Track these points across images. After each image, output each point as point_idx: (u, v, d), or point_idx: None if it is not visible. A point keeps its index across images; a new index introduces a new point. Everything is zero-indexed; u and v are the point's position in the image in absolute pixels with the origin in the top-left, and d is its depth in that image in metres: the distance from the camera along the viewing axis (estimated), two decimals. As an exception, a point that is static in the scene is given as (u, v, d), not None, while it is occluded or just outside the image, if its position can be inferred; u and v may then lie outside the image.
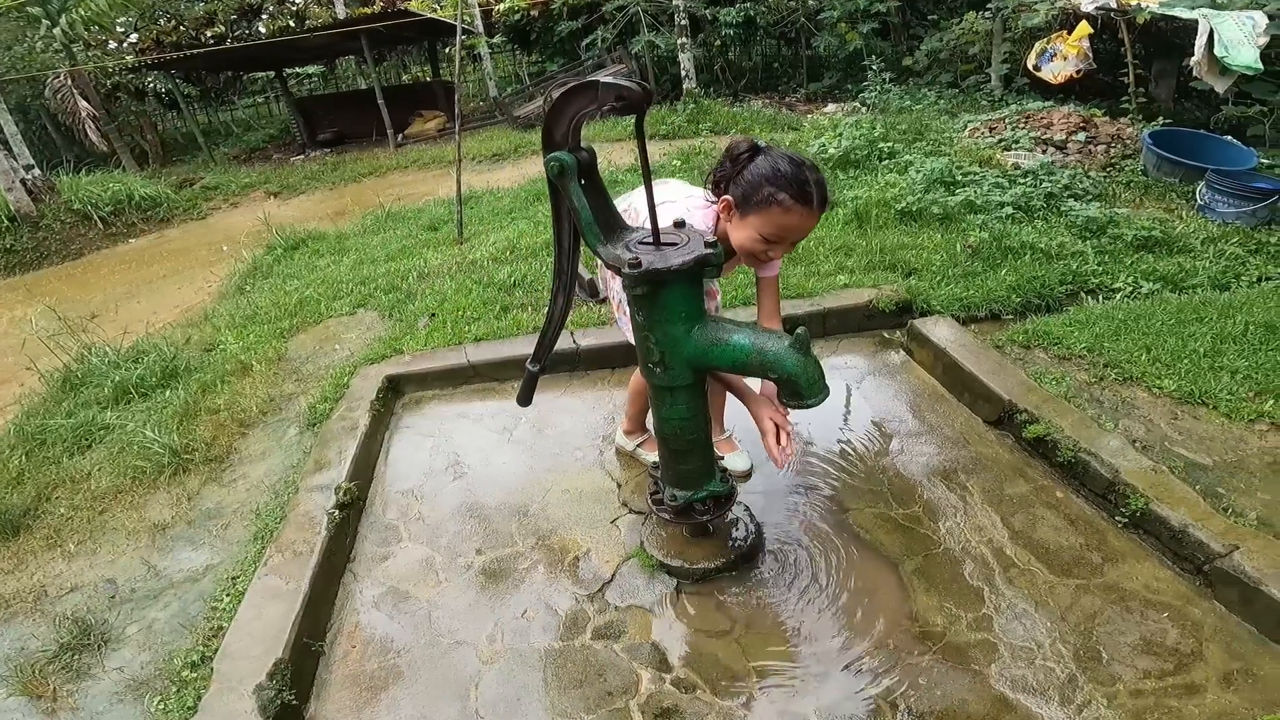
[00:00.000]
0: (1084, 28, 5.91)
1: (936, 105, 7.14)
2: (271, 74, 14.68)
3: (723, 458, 2.30)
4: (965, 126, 5.91)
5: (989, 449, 2.30)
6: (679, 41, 8.80)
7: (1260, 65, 4.99)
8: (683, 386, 1.59)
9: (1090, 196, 4.34)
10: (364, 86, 15.17)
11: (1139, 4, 5.64)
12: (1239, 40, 5.01)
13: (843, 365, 2.91)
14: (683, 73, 8.85)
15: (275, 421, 2.93)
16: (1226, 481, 1.90)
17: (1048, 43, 6.22)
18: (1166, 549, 1.79)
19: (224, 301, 4.79)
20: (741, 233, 1.63)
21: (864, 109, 7.06)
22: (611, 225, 1.55)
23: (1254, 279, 3.30)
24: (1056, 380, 2.41)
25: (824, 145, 5.29)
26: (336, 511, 2.25)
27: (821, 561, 1.95)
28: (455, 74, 5.33)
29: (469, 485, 2.51)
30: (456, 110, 5.26)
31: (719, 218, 1.71)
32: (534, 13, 11.57)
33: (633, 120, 1.35)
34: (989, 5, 7.33)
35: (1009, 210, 3.92)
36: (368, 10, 14.35)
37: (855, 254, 3.57)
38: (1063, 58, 6.03)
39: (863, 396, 2.70)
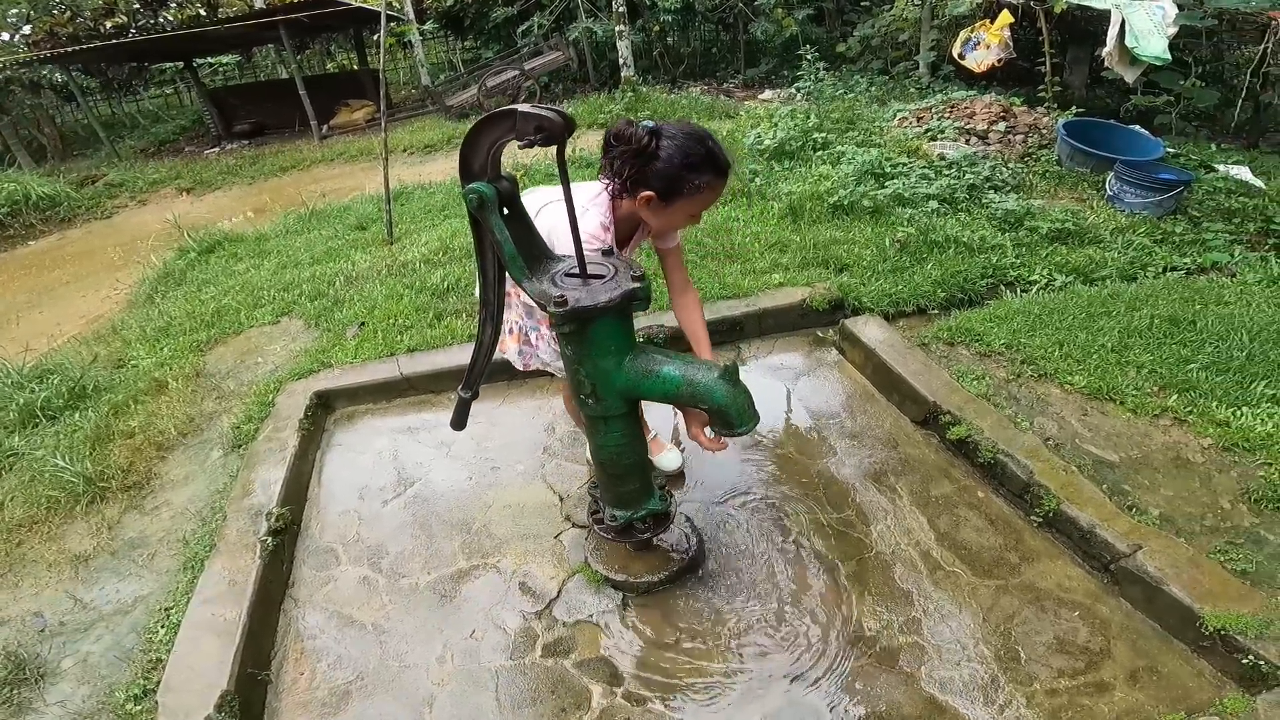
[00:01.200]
0: (1005, 16, 6.09)
1: (868, 93, 7.28)
2: (181, 64, 13.79)
3: (652, 458, 2.32)
4: (895, 116, 6.06)
5: (916, 450, 2.38)
6: (617, 28, 8.70)
7: (1168, 55, 5.22)
8: (617, 415, 1.58)
9: (1009, 188, 4.51)
10: (285, 76, 14.47)
11: None
12: (1149, 30, 5.23)
13: (779, 365, 2.96)
14: (621, 60, 8.77)
15: (197, 443, 2.80)
16: (1131, 478, 2.01)
17: (972, 31, 6.39)
18: (1077, 548, 1.89)
19: (133, 311, 4.53)
20: (668, 218, 1.65)
21: (799, 96, 7.14)
22: (535, 256, 1.52)
23: (1159, 269, 3.49)
24: (977, 379, 2.50)
25: (760, 136, 5.33)
26: (270, 539, 2.19)
27: (762, 569, 1.99)
28: (381, 62, 5.12)
29: (408, 503, 2.46)
30: (383, 101, 5.06)
31: (613, 204, 1.70)
32: (468, -2, 11.24)
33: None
34: None
35: (934, 204, 4.04)
36: (287, -1, 13.61)
37: (790, 250, 3.61)
38: (986, 46, 6.20)
39: (798, 398, 2.75)
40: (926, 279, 3.22)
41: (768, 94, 8.46)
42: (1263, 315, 2.82)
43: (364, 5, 10.86)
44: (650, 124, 1.57)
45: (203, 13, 14.41)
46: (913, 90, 7.36)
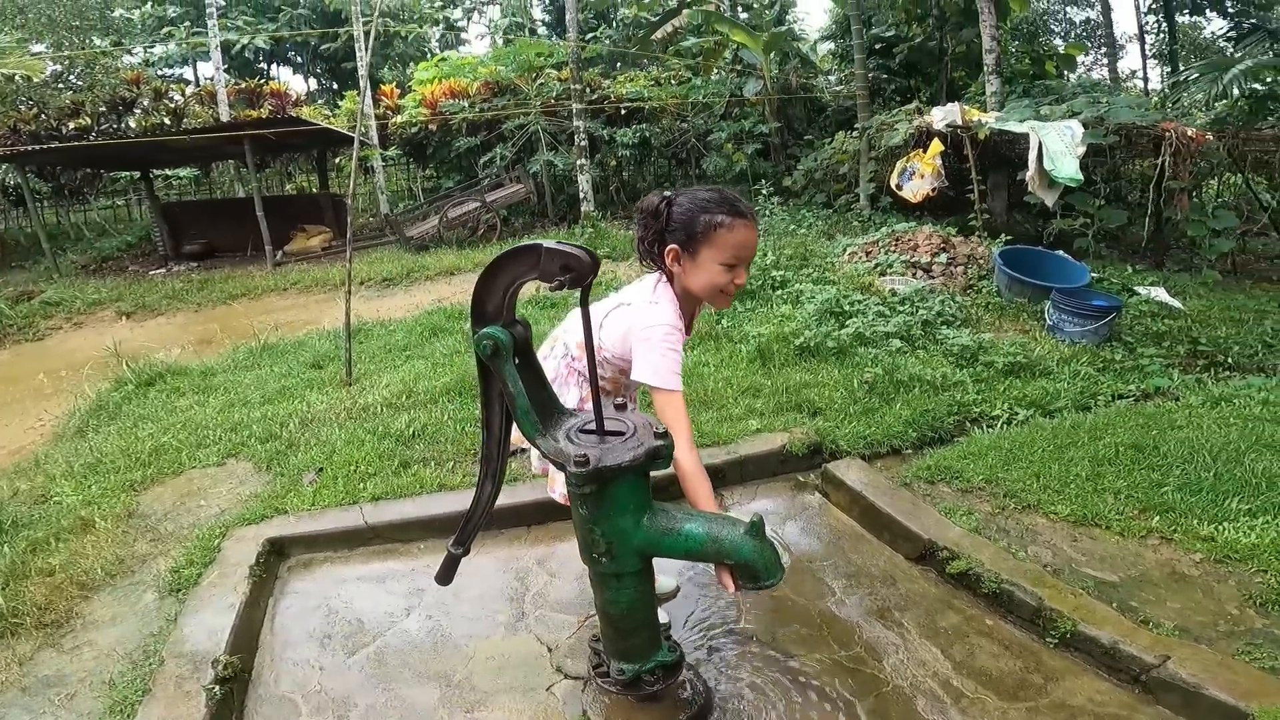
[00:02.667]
0: (936, 145, 6.65)
1: (815, 227, 7.77)
2: (137, 174, 13.67)
3: None
4: (844, 250, 6.45)
5: (916, 585, 2.35)
6: (578, 162, 9.11)
7: (1080, 176, 5.72)
8: (631, 573, 1.50)
9: (958, 322, 4.78)
10: (242, 194, 14.47)
11: (980, 120, 6.44)
12: (1061, 151, 5.75)
13: (765, 511, 2.89)
14: (581, 194, 9.16)
15: (127, 585, 2.58)
16: (1136, 595, 2.07)
17: (907, 161, 6.95)
18: (1100, 663, 1.90)
19: (60, 445, 4.20)
20: (701, 273, 1.64)
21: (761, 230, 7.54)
22: (547, 409, 1.48)
23: (1108, 398, 3.69)
24: (966, 514, 2.53)
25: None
26: (217, 687, 2.00)
27: (776, 712, 1.89)
28: (351, 190, 5.18)
29: (379, 653, 2.25)
30: (349, 231, 5.08)
31: (671, 279, 1.71)
32: (432, 127, 11.72)
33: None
34: (856, 125, 8.18)
35: (896, 343, 4.23)
36: (255, 114, 13.95)
37: (763, 395, 3.67)
38: (920, 175, 6.73)
39: (789, 542, 2.71)
40: (897, 419, 3.30)
41: (720, 230, 8.92)
42: (1216, 436, 3.00)
43: (333, 128, 11.19)
44: (666, 191, 1.67)
45: (167, 121, 14.25)
46: (855, 223, 7.91)
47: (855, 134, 8.27)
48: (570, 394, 1.92)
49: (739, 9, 12.14)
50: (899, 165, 6.94)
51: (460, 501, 2.69)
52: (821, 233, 7.66)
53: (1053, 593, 2.06)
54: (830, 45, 13.94)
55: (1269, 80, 5.89)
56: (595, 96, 10.77)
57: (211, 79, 16.19)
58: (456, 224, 9.99)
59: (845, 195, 8.66)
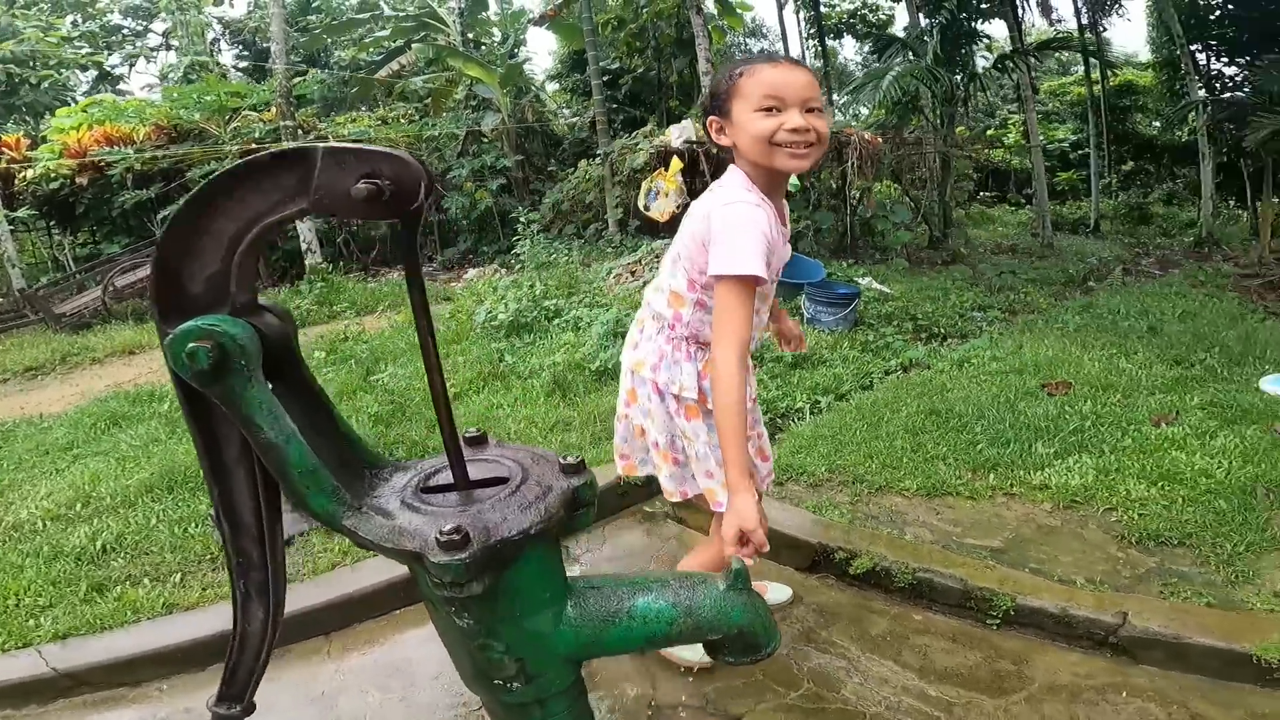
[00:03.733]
0: (676, 163, 6.91)
1: (571, 256, 7.63)
2: None
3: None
4: (609, 273, 6.36)
5: (823, 596, 2.18)
6: (295, 210, 7.93)
7: (799, 181, 6.36)
8: (558, 693, 0.99)
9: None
10: None
11: None
12: None
13: (623, 553, 2.57)
14: (304, 245, 7.96)
15: None
16: (1029, 556, 2.09)
17: (651, 181, 7.12)
18: (1057, 634, 1.86)
19: None
20: (742, 131, 1.36)
21: (513, 267, 7.16)
22: (347, 460, 0.93)
23: (880, 374, 3.99)
24: (832, 509, 2.43)
25: (492, 312, 5.08)
26: None
27: None
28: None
29: None
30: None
31: (734, 159, 1.44)
32: (82, 180, 9.30)
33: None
34: (596, 153, 8.23)
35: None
36: None
37: (575, 428, 3.31)
38: (665, 194, 6.94)
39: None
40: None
41: (472, 273, 8.36)
42: (981, 392, 3.36)
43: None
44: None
45: None
46: (609, 249, 7.94)
47: (597, 161, 8.36)
48: (687, 373, 1.48)
49: (471, 45, 11.80)
50: (644, 186, 7.12)
51: (211, 620, 2.06)
52: (579, 262, 7.54)
53: (972, 571, 1.99)
54: (556, 85, 14.22)
55: (911, 88, 7.13)
56: (312, 137, 9.55)
57: None
58: (129, 294, 8.00)
59: (595, 223, 8.71)
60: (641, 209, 7.22)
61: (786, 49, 14.08)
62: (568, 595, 0.95)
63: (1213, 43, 11.75)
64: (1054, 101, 15.39)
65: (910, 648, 1.92)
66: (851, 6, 16.30)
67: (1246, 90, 9.58)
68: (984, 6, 8.04)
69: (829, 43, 16.06)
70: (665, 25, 10.83)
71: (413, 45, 10.82)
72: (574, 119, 11.45)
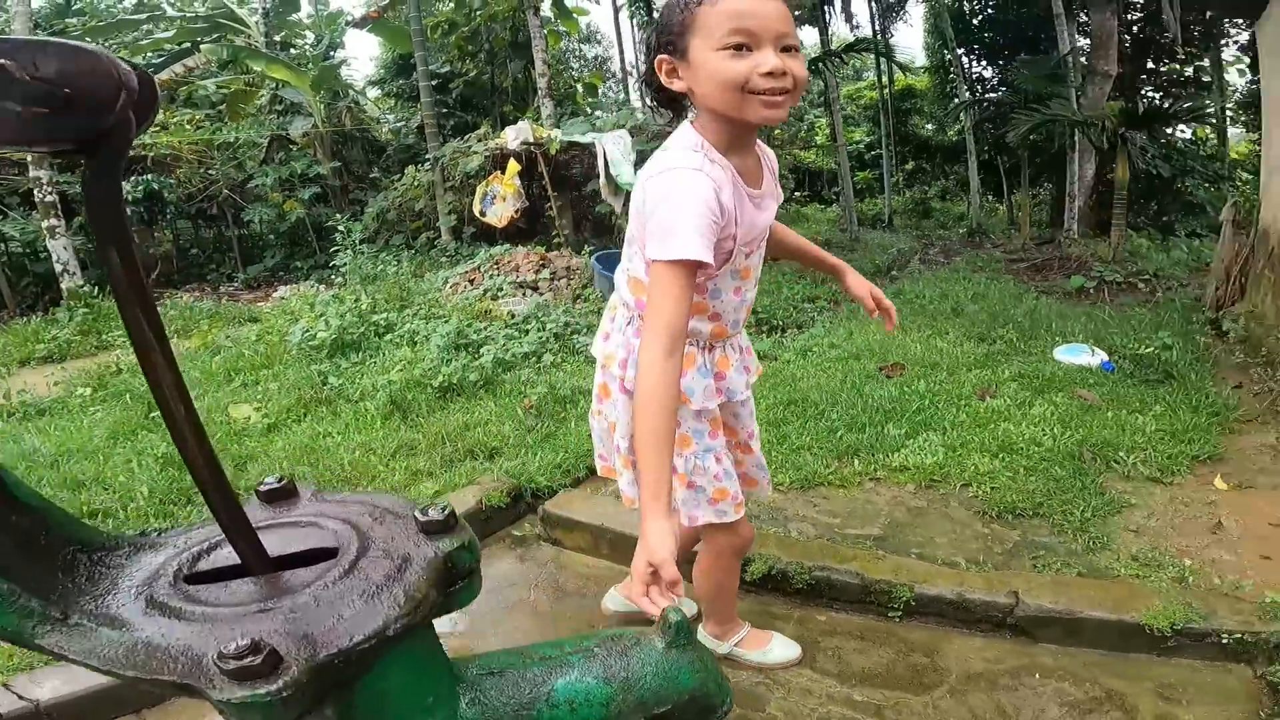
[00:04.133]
0: (513, 165, 6.57)
1: (401, 267, 7.04)
2: None
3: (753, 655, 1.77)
4: (445, 282, 5.91)
5: None
6: (46, 224, 6.60)
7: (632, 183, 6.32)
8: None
9: (585, 329, 4.71)
10: None
11: (550, 135, 6.57)
12: (619, 159, 6.22)
13: (497, 585, 2.23)
14: (59, 265, 6.65)
15: None
16: (907, 540, 2.08)
17: (486, 185, 6.74)
18: (957, 621, 1.84)
19: None
20: (702, 74, 1.09)
21: (333, 282, 6.44)
22: (29, 545, 0.59)
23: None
24: None
25: (311, 331, 4.47)
26: None
27: None
28: None
29: None
30: None
31: (685, 112, 1.21)
32: None
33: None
34: (427, 157, 7.65)
35: (548, 358, 3.92)
36: None
37: (421, 451, 2.92)
38: (502, 199, 6.58)
39: (550, 620, 2.09)
40: (581, 436, 2.94)
41: (283, 291, 7.44)
42: (828, 379, 3.42)
43: None
44: None
45: None
46: (443, 258, 7.44)
47: (427, 167, 7.79)
48: None
49: (278, 47, 10.54)
50: (479, 191, 6.72)
51: None
52: (410, 272, 6.98)
53: (866, 564, 1.94)
54: (377, 91, 13.41)
55: None
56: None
57: None
58: None
59: (426, 232, 8.13)
60: (477, 214, 6.82)
61: (622, 56, 14.15)
62: (458, 691, 0.67)
63: (975, 47, 13.46)
64: (850, 105, 16.86)
65: (823, 651, 1.83)
66: None
67: (1004, 90, 11.02)
68: (797, 14, 8.53)
69: None
70: (500, 28, 10.46)
71: (203, 46, 9.48)
72: (399, 124, 10.69)
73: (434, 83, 8.90)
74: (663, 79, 1.16)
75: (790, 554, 2.04)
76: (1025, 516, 2.17)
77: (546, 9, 9.91)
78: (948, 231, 11.97)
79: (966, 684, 1.67)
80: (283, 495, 0.72)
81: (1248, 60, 12.71)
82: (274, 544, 0.63)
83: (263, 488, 0.72)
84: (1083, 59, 9.80)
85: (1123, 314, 5.18)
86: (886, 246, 9.58)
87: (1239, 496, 2.27)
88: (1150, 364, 3.65)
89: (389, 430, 3.14)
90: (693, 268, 1.07)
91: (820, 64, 8.62)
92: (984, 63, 13.61)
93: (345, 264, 6.26)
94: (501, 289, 5.41)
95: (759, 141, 1.28)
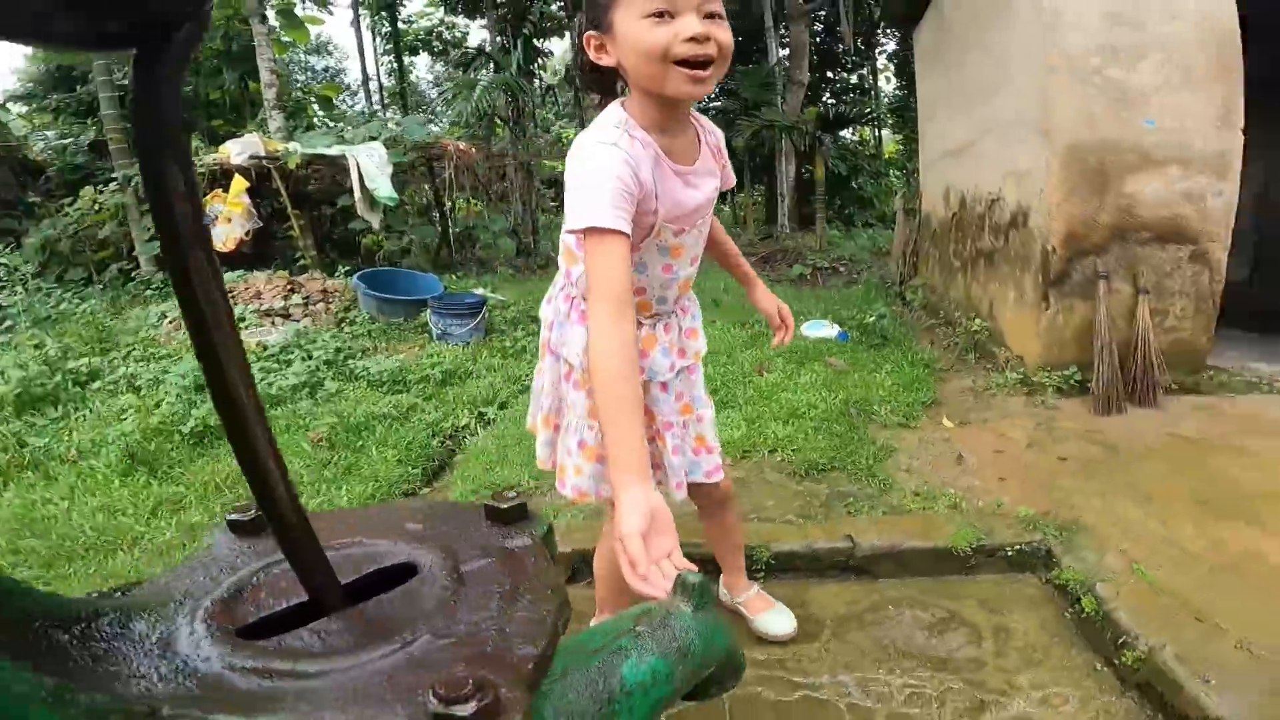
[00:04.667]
0: (240, 182, 5.75)
1: (91, 306, 5.73)
2: None
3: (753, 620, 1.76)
4: (164, 318, 4.96)
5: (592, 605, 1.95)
6: None
7: (396, 195, 5.92)
8: None
9: (360, 353, 4.31)
10: None
11: (288, 148, 5.84)
12: (374, 173, 5.80)
13: None
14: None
15: None
16: (743, 506, 2.15)
17: (206, 204, 5.80)
18: (810, 571, 1.87)
19: None
20: (627, 46, 1.06)
21: (17, 322, 5.01)
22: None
23: (530, 376, 3.96)
24: (565, 512, 2.21)
25: (-22, 383, 3.45)
26: None
27: None
28: None
29: None
30: None
31: (614, 92, 1.20)
32: None
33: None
34: (114, 177, 6.32)
35: (331, 386, 3.51)
36: None
37: (189, 505, 2.42)
38: (227, 219, 5.73)
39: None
40: (389, 466, 2.70)
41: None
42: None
43: None
44: None
45: None
46: (149, 292, 6.25)
47: (113, 187, 6.41)
48: (573, 337, 1.29)
49: None
50: (197, 210, 5.72)
51: None
52: (106, 310, 5.73)
53: None
54: (23, 107, 11.16)
55: (496, 99, 7.28)
56: None
57: None
58: None
59: (118, 262, 6.70)
60: (195, 237, 5.81)
61: (363, 65, 13.05)
62: (538, 705, 0.56)
63: None
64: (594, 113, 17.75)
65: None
66: (429, 24, 16.05)
67: (725, 99, 12.38)
68: (548, 26, 8.68)
69: (404, 59, 15.54)
70: (210, 37, 9.07)
71: None
72: (65, 141, 8.69)
73: (119, 95, 7.40)
74: (591, 55, 1.13)
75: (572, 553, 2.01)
76: (826, 470, 2.46)
77: (273, 18, 8.86)
78: (687, 233, 13.10)
79: (842, 626, 1.79)
80: (258, 528, 0.55)
81: (893, 68, 15.88)
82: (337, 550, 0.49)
83: (232, 517, 0.55)
84: (779, 68, 11.38)
85: (841, 293, 6.16)
86: (640, 248, 10.20)
87: (963, 431, 2.85)
88: (873, 331, 4.42)
89: (135, 487, 2.55)
90: (614, 235, 1.05)
91: (573, 77, 8.92)
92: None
93: (14, 305, 4.94)
94: (244, 319, 4.71)
95: (700, 118, 1.28)
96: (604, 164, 1.08)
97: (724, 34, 1.06)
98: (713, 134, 1.30)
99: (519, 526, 0.56)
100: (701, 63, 1.05)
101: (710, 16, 1.05)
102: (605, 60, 1.12)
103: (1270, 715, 1.33)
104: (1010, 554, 1.97)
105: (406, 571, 0.48)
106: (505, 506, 0.56)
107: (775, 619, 1.74)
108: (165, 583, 0.47)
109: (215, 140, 9.05)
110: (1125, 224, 3.19)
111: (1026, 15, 3.39)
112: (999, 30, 3.82)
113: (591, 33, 1.12)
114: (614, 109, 1.17)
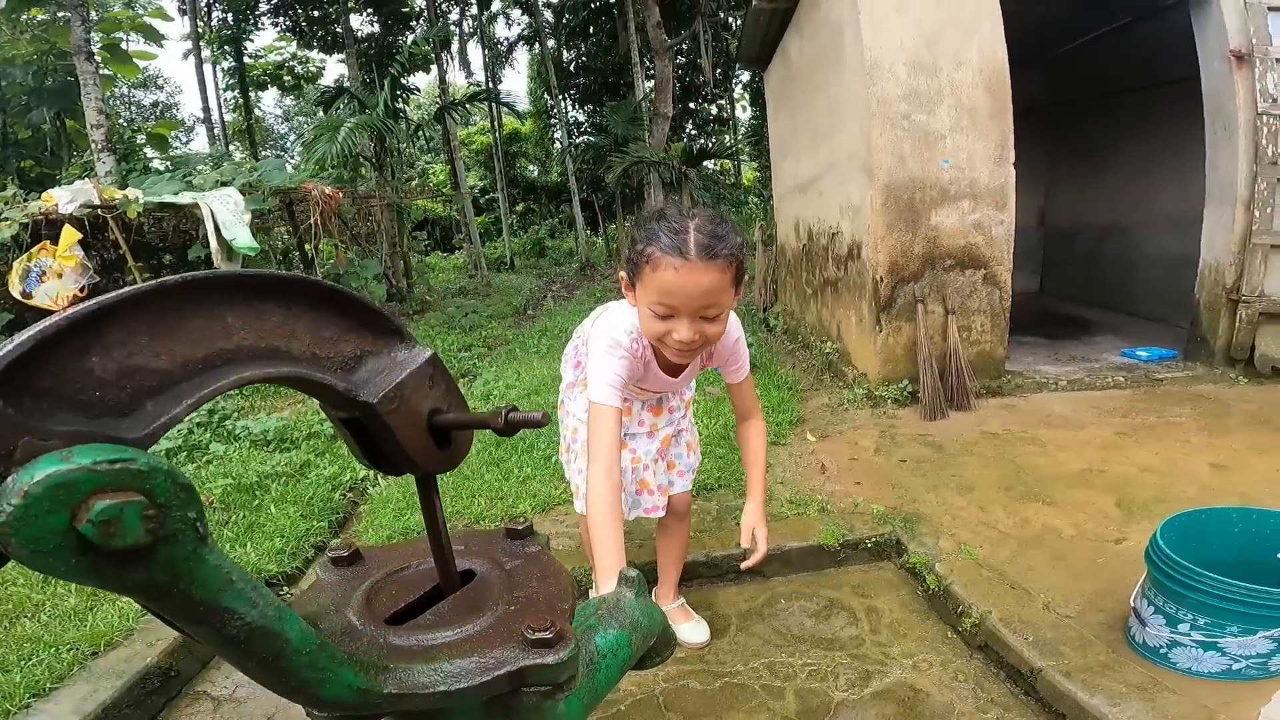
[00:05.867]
0: (71, 234, 5.26)
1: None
2: None
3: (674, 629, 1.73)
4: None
5: None
6: None
7: (256, 244, 5.62)
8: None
9: (237, 413, 4.16)
10: None
11: (127, 196, 5.43)
12: (231, 221, 5.48)
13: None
14: None
15: None
16: (648, 528, 2.36)
17: (30, 259, 5.25)
18: (711, 577, 2.10)
19: None
20: (639, 309, 1.36)
21: None
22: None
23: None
24: None
25: None
26: None
27: None
28: None
29: None
30: None
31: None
32: None
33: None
34: None
35: (217, 449, 3.40)
36: None
37: (84, 590, 2.31)
38: (56, 275, 5.24)
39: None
40: (290, 518, 2.71)
41: None
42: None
43: None
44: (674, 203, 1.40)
45: None
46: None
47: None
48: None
49: None
50: (17, 267, 5.17)
51: None
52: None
53: (636, 554, 2.24)
54: None
55: (361, 141, 7.12)
56: None
57: None
58: None
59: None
60: (19, 297, 5.27)
61: (204, 101, 12.10)
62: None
63: (572, 92, 15.36)
64: (464, 150, 17.63)
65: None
66: (279, 59, 15.19)
67: (593, 135, 12.89)
68: (416, 62, 8.61)
69: (251, 95, 14.63)
70: (19, 73, 8.15)
71: None
72: None
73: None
74: (623, 287, 1.42)
75: (569, 562, 2.24)
76: (716, 489, 2.77)
77: (98, 53, 8.17)
78: (563, 268, 13.37)
79: (745, 621, 2.06)
80: (353, 559, 0.78)
81: (749, 96, 17.10)
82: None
83: (331, 554, 0.77)
84: (646, 102, 11.98)
85: (711, 323, 6.59)
86: (517, 288, 10.31)
87: (824, 444, 3.28)
88: (742, 359, 4.86)
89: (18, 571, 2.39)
90: (610, 408, 1.43)
91: (446, 113, 8.91)
92: (578, 106, 15.66)
93: None
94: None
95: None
96: (614, 361, 1.46)
97: (715, 328, 1.31)
98: (724, 340, 1.54)
99: (530, 539, 0.83)
100: (689, 348, 1.34)
101: (705, 316, 1.29)
102: (630, 298, 1.41)
103: (1076, 663, 1.65)
104: (870, 545, 2.35)
105: (469, 574, 0.75)
106: (519, 528, 0.83)
107: (693, 630, 2.00)
108: (305, 601, 0.71)
109: (26, 183, 8.22)
110: (933, 253, 3.80)
111: (853, 65, 3.83)
112: (834, 77, 4.27)
113: (624, 275, 1.39)
114: (633, 316, 1.47)
